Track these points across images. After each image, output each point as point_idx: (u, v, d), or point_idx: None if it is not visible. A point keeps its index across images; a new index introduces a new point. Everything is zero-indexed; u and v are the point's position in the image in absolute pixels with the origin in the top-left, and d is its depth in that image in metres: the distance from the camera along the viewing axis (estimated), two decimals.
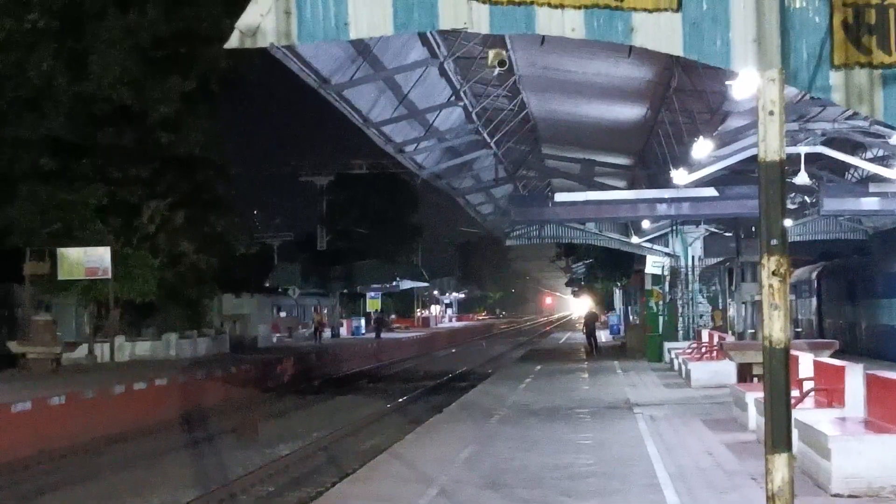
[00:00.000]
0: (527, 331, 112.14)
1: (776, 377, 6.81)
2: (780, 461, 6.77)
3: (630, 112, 32.38)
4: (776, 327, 6.75)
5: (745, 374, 21.32)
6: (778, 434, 6.79)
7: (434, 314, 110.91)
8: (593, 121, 34.09)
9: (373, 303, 79.80)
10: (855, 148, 31.97)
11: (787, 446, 6.80)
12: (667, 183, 32.61)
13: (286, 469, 20.28)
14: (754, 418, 16.95)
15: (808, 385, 15.55)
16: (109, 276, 36.41)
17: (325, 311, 73.41)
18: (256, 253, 72.82)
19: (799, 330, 42.03)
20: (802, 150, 27.30)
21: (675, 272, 41.31)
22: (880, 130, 26.68)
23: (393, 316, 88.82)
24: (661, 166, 33.77)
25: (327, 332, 67.56)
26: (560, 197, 35.51)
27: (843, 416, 13.86)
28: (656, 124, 32.24)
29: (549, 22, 7.12)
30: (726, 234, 40.56)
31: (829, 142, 28.92)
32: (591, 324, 49.79)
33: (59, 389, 25.34)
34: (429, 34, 24.53)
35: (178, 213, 40.57)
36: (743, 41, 7.01)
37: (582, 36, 7.17)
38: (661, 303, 42.42)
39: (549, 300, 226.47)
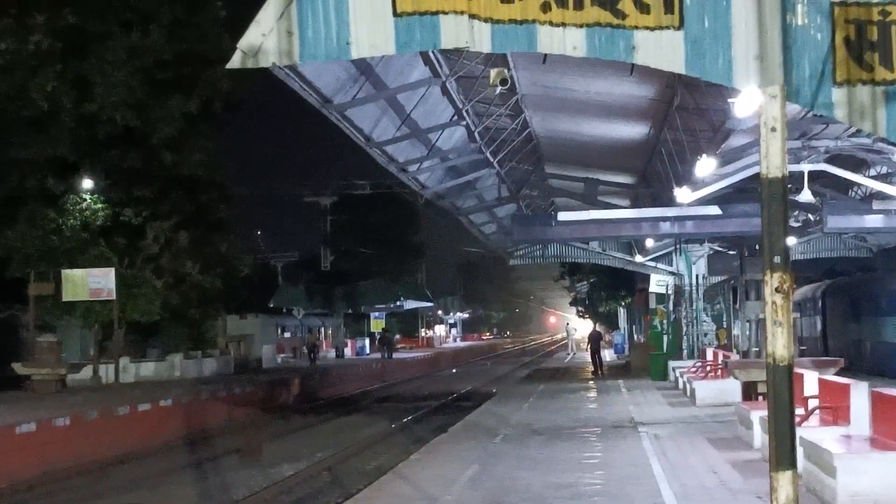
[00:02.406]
0: (531, 350, 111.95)
1: (780, 395, 6.78)
2: (784, 479, 6.74)
3: (633, 130, 32.42)
4: (779, 345, 6.73)
5: (749, 392, 21.23)
6: (782, 452, 6.76)
7: (439, 334, 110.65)
8: (596, 139, 34.13)
9: (377, 323, 79.72)
10: (858, 165, 31.95)
11: (792, 464, 6.77)
12: (670, 201, 32.60)
13: (290, 490, 20.20)
14: (759, 436, 16.91)
15: (812, 403, 15.54)
16: (114, 297, 36.43)
17: (330, 331, 73.42)
18: (260, 273, 72.82)
19: (803, 348, 41.89)
20: (805, 167, 27.27)
21: (678, 290, 41.26)
22: (883, 148, 26.63)
23: (398, 336, 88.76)
24: (665, 184, 33.77)
25: (331, 353, 67.54)
26: (563, 216, 35.51)
27: (849, 434, 13.83)
28: (659, 142, 32.27)
29: (550, 40, 7.09)
30: (730, 252, 40.51)
31: (833, 159, 28.88)
32: (595, 343, 49.55)
33: (63, 411, 25.29)
34: (430, 54, 24.60)
35: (182, 234, 40.59)
36: (745, 58, 6.99)
37: (583, 54, 7.15)
38: (665, 321, 42.36)
39: (552, 319, 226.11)
